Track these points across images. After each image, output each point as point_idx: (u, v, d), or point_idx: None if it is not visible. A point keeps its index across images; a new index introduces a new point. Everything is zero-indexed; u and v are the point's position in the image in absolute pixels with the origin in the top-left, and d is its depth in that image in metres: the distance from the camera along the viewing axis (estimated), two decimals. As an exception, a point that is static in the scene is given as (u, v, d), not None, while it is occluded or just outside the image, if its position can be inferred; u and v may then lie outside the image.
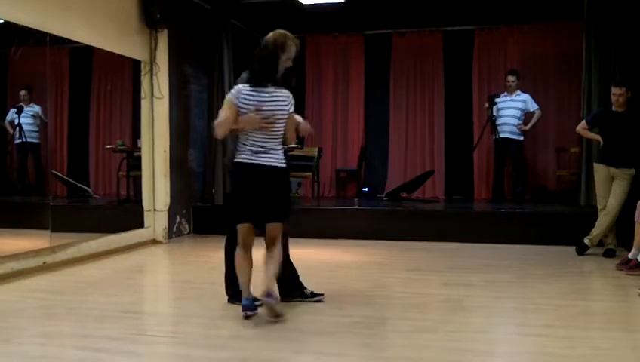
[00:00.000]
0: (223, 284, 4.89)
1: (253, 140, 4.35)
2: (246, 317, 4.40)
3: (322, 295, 4.92)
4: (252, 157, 4.35)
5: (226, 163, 4.75)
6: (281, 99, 4.38)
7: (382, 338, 4.06)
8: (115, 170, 9.42)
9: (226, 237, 4.85)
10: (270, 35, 4.51)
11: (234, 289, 4.72)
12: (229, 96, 4.41)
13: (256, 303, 4.46)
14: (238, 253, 4.47)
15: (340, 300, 5.01)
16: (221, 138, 4.59)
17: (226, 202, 4.68)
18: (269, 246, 4.44)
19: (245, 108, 4.33)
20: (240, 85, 4.43)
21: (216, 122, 4.41)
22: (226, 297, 4.86)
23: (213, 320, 4.49)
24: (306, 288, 4.93)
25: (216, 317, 4.56)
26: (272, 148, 4.37)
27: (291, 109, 4.43)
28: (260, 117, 4.30)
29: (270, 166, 4.36)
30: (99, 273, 6.32)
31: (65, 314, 4.73)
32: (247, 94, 4.35)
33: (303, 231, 8.27)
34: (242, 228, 4.46)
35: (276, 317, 4.35)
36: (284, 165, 4.42)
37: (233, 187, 4.56)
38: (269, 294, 4.31)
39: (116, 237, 7.45)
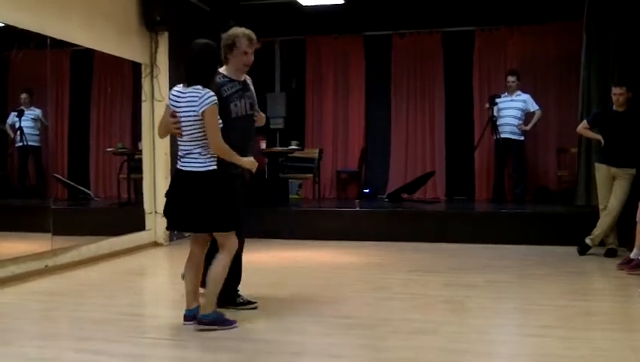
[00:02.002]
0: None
1: (179, 145, 4.19)
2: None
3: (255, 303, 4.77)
4: (178, 163, 4.19)
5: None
6: (194, 99, 4.06)
7: (382, 340, 4.05)
8: (115, 172, 9.42)
9: None
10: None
11: (225, 294, 4.54)
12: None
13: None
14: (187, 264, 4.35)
15: (341, 301, 5.01)
16: (162, 138, 4.40)
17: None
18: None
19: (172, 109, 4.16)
20: (176, 86, 4.25)
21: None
22: None
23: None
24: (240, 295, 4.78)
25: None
26: (191, 153, 4.10)
27: (201, 109, 4.03)
28: (173, 120, 4.12)
29: (189, 171, 4.11)
30: (100, 276, 6.32)
31: (65, 316, 4.74)
32: (173, 95, 4.20)
33: (304, 233, 8.31)
34: (193, 237, 4.34)
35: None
36: (207, 169, 4.10)
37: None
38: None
39: (117, 239, 7.45)
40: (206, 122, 4.04)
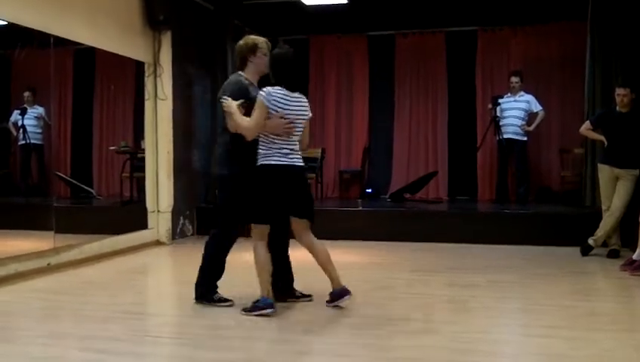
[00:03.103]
0: (226, 284, 4.88)
1: (281, 144, 4.47)
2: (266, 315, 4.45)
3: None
4: (286, 159, 4.48)
5: (223, 171, 4.71)
6: (304, 104, 4.58)
7: (386, 339, 4.05)
8: (118, 171, 9.42)
9: (214, 237, 4.82)
10: (281, 43, 4.72)
11: (205, 288, 4.79)
12: (260, 98, 4.43)
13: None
14: (263, 252, 4.52)
15: (342, 306, 5.00)
16: (250, 140, 4.53)
17: (233, 204, 4.64)
18: (305, 237, 4.63)
19: (274, 112, 4.42)
20: (268, 88, 4.46)
21: (244, 124, 4.43)
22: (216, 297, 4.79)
23: (216, 321, 4.48)
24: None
25: (219, 318, 4.55)
26: (297, 151, 4.56)
27: (310, 115, 4.62)
28: (285, 122, 4.43)
29: (301, 166, 4.60)
30: (102, 274, 6.32)
31: (68, 315, 4.73)
32: (280, 98, 4.45)
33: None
34: (265, 228, 4.54)
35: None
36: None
37: (257, 189, 4.50)
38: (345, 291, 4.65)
39: (120, 238, 7.46)
40: (306, 125, 4.63)
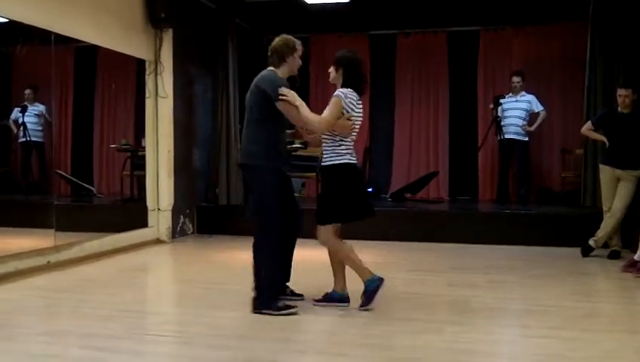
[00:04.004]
0: (226, 283, 4.88)
1: (348, 144, 4.64)
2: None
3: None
4: (354, 158, 4.67)
5: (263, 164, 4.67)
6: (361, 109, 4.71)
7: (386, 339, 4.05)
8: (119, 169, 9.42)
9: (267, 240, 4.61)
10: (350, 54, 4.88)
11: (269, 294, 4.59)
12: (339, 98, 4.55)
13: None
14: (340, 242, 4.69)
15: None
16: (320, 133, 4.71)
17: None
18: (332, 239, 4.70)
19: (346, 112, 4.56)
20: (345, 90, 4.59)
21: (317, 119, 4.54)
22: (257, 302, 4.59)
23: (216, 319, 4.48)
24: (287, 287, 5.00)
25: (219, 316, 4.55)
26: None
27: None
28: (351, 123, 4.58)
29: (359, 167, 4.85)
30: (102, 272, 6.32)
31: (68, 312, 4.73)
32: (352, 100, 4.59)
33: (307, 232, 8.27)
34: (337, 226, 4.68)
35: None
36: None
37: (342, 187, 4.61)
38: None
39: (120, 236, 7.45)
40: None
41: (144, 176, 8.16)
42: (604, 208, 6.95)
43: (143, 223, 7.99)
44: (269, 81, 4.64)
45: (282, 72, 4.78)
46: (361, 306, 4.62)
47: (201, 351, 3.79)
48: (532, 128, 9.22)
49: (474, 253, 7.29)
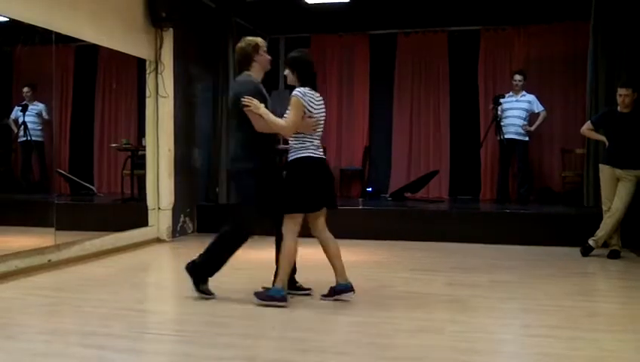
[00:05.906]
0: (226, 282, 4.89)
1: (312, 140, 4.74)
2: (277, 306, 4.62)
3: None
4: (318, 153, 4.78)
5: (240, 167, 4.82)
6: (323, 103, 4.83)
7: (387, 338, 4.05)
8: (119, 168, 9.42)
9: (224, 235, 4.87)
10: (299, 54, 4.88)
11: (198, 274, 4.90)
12: (297, 98, 4.62)
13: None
14: (294, 244, 4.73)
15: (344, 299, 4.99)
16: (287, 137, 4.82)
17: (254, 199, 4.80)
18: (324, 231, 4.90)
19: (308, 111, 4.65)
20: (302, 89, 4.68)
21: (282, 124, 4.65)
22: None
23: (217, 318, 4.48)
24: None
25: (220, 315, 4.55)
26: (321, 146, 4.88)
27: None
28: (314, 120, 4.69)
29: (325, 159, 4.90)
30: (103, 271, 6.32)
31: (69, 311, 4.73)
32: (312, 98, 4.69)
33: (306, 231, 8.28)
34: (301, 218, 4.76)
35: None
36: None
37: (301, 179, 4.70)
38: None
39: (120, 235, 7.45)
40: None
41: (144, 175, 8.16)
42: (604, 208, 6.96)
43: (143, 222, 8.00)
44: (238, 86, 4.84)
45: (256, 72, 4.92)
46: (254, 294, 4.73)
47: (202, 350, 3.78)
48: (532, 128, 9.23)
49: (474, 253, 7.29)
